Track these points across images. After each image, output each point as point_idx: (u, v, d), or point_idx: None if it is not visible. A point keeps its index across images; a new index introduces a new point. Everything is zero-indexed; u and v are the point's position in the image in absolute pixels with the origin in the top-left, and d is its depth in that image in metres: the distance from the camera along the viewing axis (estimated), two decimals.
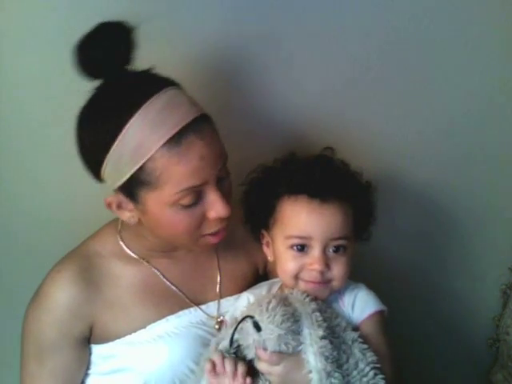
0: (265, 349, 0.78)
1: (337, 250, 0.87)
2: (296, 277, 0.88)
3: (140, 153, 0.77)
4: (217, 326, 0.95)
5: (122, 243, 0.95)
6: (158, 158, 0.77)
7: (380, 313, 0.90)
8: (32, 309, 0.90)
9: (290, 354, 0.79)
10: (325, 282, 0.87)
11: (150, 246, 0.93)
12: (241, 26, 1.09)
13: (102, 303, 0.90)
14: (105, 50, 0.79)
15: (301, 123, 1.17)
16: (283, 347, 0.78)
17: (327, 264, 0.86)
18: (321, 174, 0.89)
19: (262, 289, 0.97)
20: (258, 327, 0.77)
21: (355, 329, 0.86)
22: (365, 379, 0.80)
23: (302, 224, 0.86)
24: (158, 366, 0.88)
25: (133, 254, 0.95)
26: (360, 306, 0.89)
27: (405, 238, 1.32)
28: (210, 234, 0.88)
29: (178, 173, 0.78)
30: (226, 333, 0.86)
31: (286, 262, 0.88)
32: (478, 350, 1.42)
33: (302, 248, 0.87)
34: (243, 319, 0.79)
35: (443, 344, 1.40)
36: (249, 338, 0.79)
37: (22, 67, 1.06)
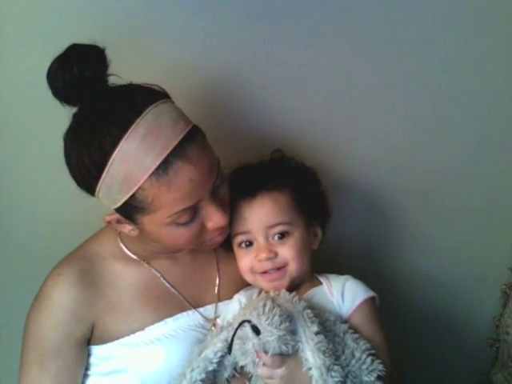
0: (265, 352, 0.78)
1: (281, 236, 0.91)
2: (252, 272, 0.93)
3: (129, 183, 0.77)
4: (213, 328, 0.95)
5: (122, 245, 0.95)
6: (147, 188, 0.77)
7: (371, 299, 0.91)
8: (33, 313, 0.90)
9: (289, 355, 0.79)
10: (278, 268, 0.91)
11: (150, 249, 0.93)
12: (239, 27, 1.09)
13: (103, 305, 0.90)
14: (78, 75, 0.77)
15: (296, 124, 1.18)
16: (284, 348, 0.78)
17: (272, 251, 0.91)
18: (247, 173, 0.97)
19: (253, 290, 0.98)
20: (256, 331, 0.77)
21: (343, 321, 0.87)
22: (364, 366, 0.80)
23: (239, 220, 0.93)
24: (156, 369, 0.88)
25: (133, 256, 0.95)
26: (350, 294, 0.90)
27: (405, 238, 1.32)
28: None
29: (169, 199, 0.78)
30: (211, 341, 0.86)
31: (240, 261, 0.95)
32: (478, 350, 1.42)
33: (249, 244, 0.93)
34: (240, 324, 0.79)
35: (443, 344, 1.40)
36: (247, 343, 0.78)
37: (22, 67, 1.06)
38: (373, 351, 0.83)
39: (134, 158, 0.75)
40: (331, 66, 1.14)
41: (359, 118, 1.19)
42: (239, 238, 0.94)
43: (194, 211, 0.82)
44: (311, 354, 0.77)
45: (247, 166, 1.00)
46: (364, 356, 0.81)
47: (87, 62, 0.78)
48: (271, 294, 0.90)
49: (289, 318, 0.79)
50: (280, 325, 0.77)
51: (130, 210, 0.81)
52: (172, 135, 0.77)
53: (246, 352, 0.79)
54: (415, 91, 1.18)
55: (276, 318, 0.77)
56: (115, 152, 0.75)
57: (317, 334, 0.79)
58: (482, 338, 1.41)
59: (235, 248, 0.96)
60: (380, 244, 1.32)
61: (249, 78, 1.13)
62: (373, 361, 0.81)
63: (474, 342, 1.42)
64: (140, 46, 1.05)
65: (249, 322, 0.78)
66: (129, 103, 0.78)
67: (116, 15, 1.04)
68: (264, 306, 0.79)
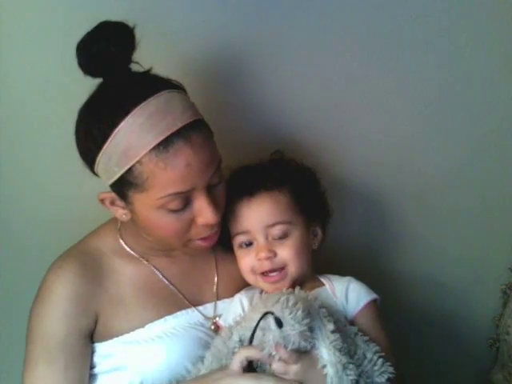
0: (285, 346, 0.77)
1: (281, 235, 0.91)
2: (253, 272, 0.93)
3: (128, 155, 0.78)
4: (212, 327, 0.95)
5: (121, 241, 0.96)
6: (145, 162, 0.78)
7: (374, 302, 0.92)
8: (36, 307, 0.89)
9: (304, 352, 0.78)
10: (278, 268, 0.91)
11: (148, 245, 0.94)
12: (241, 27, 1.10)
13: (105, 298, 0.90)
14: (104, 49, 0.80)
15: (297, 124, 1.18)
16: (303, 344, 0.77)
17: (271, 250, 0.91)
18: (247, 173, 0.97)
19: (254, 291, 0.98)
20: (279, 323, 0.76)
21: (351, 323, 0.88)
22: (375, 368, 0.81)
23: (239, 220, 0.93)
24: (156, 366, 0.88)
25: (132, 252, 0.95)
26: (353, 297, 0.91)
27: (405, 238, 1.32)
28: (200, 239, 0.89)
29: (164, 178, 0.79)
30: (224, 345, 0.85)
31: (240, 261, 0.95)
32: (478, 349, 1.43)
33: (249, 244, 0.93)
34: (263, 316, 0.78)
35: (443, 344, 1.40)
36: (268, 335, 0.77)
37: (22, 67, 1.06)
38: (382, 354, 0.83)
39: (137, 133, 0.78)
40: (332, 66, 1.14)
41: (359, 119, 1.19)
42: (239, 239, 0.94)
43: (186, 200, 0.83)
44: (327, 352, 0.77)
45: (246, 167, 1.00)
46: (375, 357, 0.82)
47: (115, 38, 0.81)
48: (284, 291, 0.89)
49: (310, 315, 0.79)
50: (302, 320, 0.76)
51: (124, 185, 0.82)
52: (179, 118, 0.80)
53: (264, 344, 0.78)
54: (415, 92, 1.18)
55: (299, 312, 0.77)
56: (121, 124, 0.78)
57: (333, 332, 0.79)
58: (482, 338, 1.41)
59: (235, 248, 0.96)
60: (380, 244, 1.32)
61: (249, 78, 1.14)
62: (383, 363, 0.82)
63: (474, 342, 1.42)
64: (141, 44, 1.05)
65: (272, 313, 0.77)
66: (146, 83, 0.82)
67: (117, 13, 1.04)
68: (287, 300, 0.79)
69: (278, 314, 0.77)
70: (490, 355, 1.42)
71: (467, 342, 1.42)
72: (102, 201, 0.87)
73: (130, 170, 0.79)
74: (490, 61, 1.17)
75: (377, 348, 0.84)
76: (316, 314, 0.81)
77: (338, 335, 0.79)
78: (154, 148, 0.78)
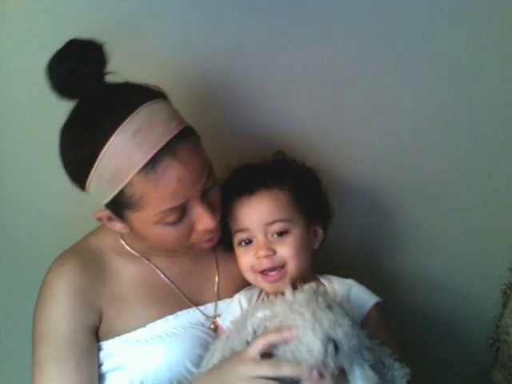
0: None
1: (280, 233, 0.91)
2: (253, 270, 0.93)
3: (117, 179, 0.77)
4: (212, 326, 0.95)
5: (122, 241, 0.96)
6: (135, 184, 0.77)
7: (377, 305, 0.92)
8: (40, 307, 0.89)
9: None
10: (277, 267, 0.91)
11: (149, 245, 0.93)
12: (239, 28, 1.09)
13: (109, 296, 0.90)
14: (75, 69, 0.78)
15: (297, 124, 1.18)
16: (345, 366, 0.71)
17: (271, 248, 0.90)
18: (247, 172, 0.98)
19: (253, 291, 0.98)
20: (337, 348, 0.69)
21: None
22: (395, 373, 0.79)
23: (238, 218, 0.93)
24: (156, 366, 0.88)
25: (133, 252, 0.95)
26: (357, 302, 0.90)
27: (405, 238, 1.32)
28: (201, 242, 0.89)
29: (157, 196, 0.78)
30: (238, 337, 0.81)
31: (240, 259, 0.95)
32: (478, 350, 1.43)
33: (249, 242, 0.93)
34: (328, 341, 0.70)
35: (443, 344, 1.40)
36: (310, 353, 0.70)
37: (21, 67, 1.06)
38: (395, 356, 0.82)
39: (123, 154, 0.76)
40: (332, 66, 1.14)
41: (360, 119, 1.19)
42: (239, 236, 0.94)
43: (182, 211, 0.82)
44: (360, 371, 0.72)
45: (247, 165, 1.00)
46: (391, 361, 0.80)
47: (85, 58, 0.79)
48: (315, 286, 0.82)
49: (356, 332, 0.72)
50: (352, 340, 0.70)
51: (118, 206, 0.81)
52: (163, 133, 0.77)
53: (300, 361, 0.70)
54: (415, 92, 1.18)
55: (349, 329, 0.70)
56: (106, 147, 0.76)
57: (368, 348, 0.74)
58: (482, 338, 1.41)
59: (235, 246, 0.96)
60: (380, 244, 1.32)
61: (249, 79, 1.13)
62: (400, 366, 0.80)
63: (474, 342, 1.42)
64: (141, 45, 1.05)
65: (332, 339, 0.69)
66: (124, 100, 0.79)
67: (115, 14, 1.04)
68: (338, 317, 0.72)
69: (334, 335, 0.69)
70: (490, 355, 1.42)
71: (467, 342, 1.42)
72: (100, 219, 0.86)
73: (121, 191, 0.78)
74: (490, 61, 1.17)
75: (390, 351, 0.82)
76: (357, 329, 0.74)
77: (372, 353, 0.74)
78: (141, 169, 0.76)
